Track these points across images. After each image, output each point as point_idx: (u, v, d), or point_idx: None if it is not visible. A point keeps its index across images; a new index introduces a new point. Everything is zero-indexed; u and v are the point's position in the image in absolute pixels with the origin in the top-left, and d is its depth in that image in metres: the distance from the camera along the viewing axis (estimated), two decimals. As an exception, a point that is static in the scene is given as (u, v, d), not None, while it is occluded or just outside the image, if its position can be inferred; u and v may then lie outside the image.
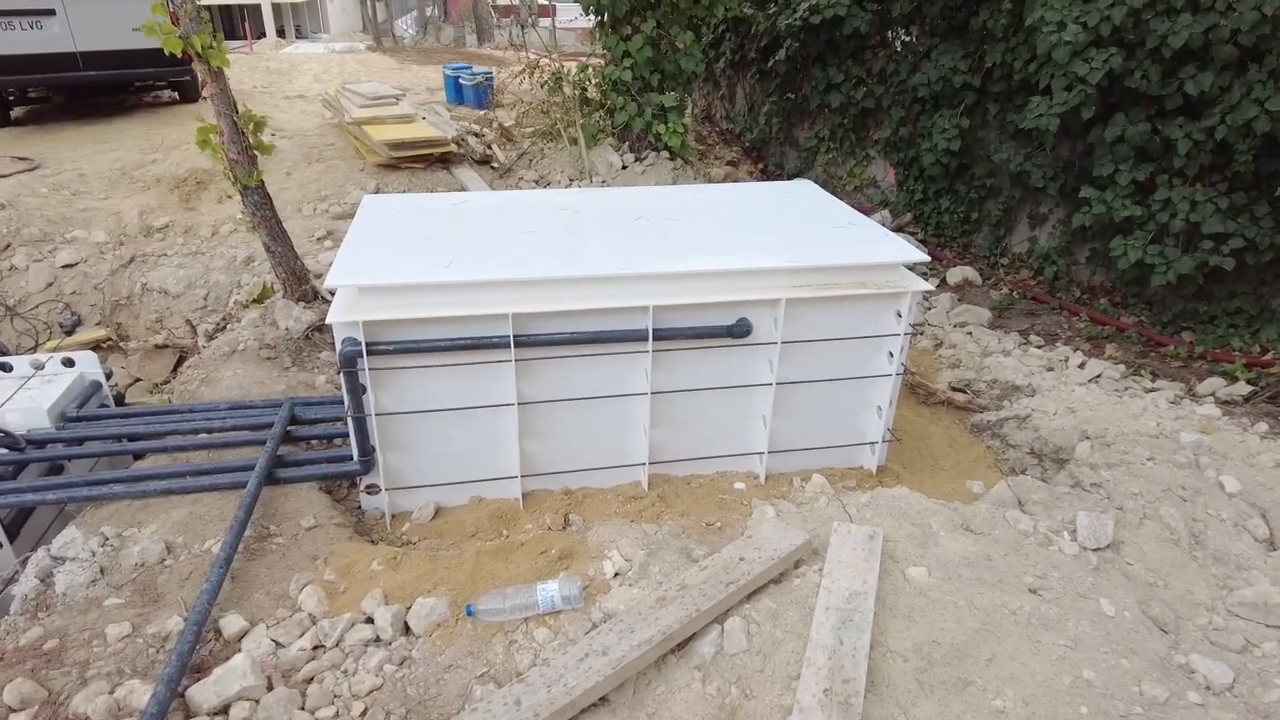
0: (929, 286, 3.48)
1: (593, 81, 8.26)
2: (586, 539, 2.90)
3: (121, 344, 5.59)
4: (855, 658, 2.24)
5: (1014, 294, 6.55)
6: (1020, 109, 6.32)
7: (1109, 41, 5.34)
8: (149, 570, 2.72)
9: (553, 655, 2.29)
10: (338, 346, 3.00)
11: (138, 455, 3.54)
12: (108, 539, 2.85)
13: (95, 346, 5.43)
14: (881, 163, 8.23)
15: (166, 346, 5.39)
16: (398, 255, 3.26)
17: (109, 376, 3.97)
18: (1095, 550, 2.85)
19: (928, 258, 3.51)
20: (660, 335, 3.21)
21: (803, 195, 4.29)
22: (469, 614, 2.49)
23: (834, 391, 3.56)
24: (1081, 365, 5.08)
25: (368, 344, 2.97)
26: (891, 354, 3.50)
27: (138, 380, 5.18)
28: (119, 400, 4.06)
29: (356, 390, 3.06)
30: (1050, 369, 5.04)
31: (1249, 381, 4.75)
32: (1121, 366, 5.08)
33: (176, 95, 10.45)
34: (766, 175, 9.50)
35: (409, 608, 2.53)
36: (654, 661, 2.30)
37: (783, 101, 9.14)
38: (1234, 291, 5.46)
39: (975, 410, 4.64)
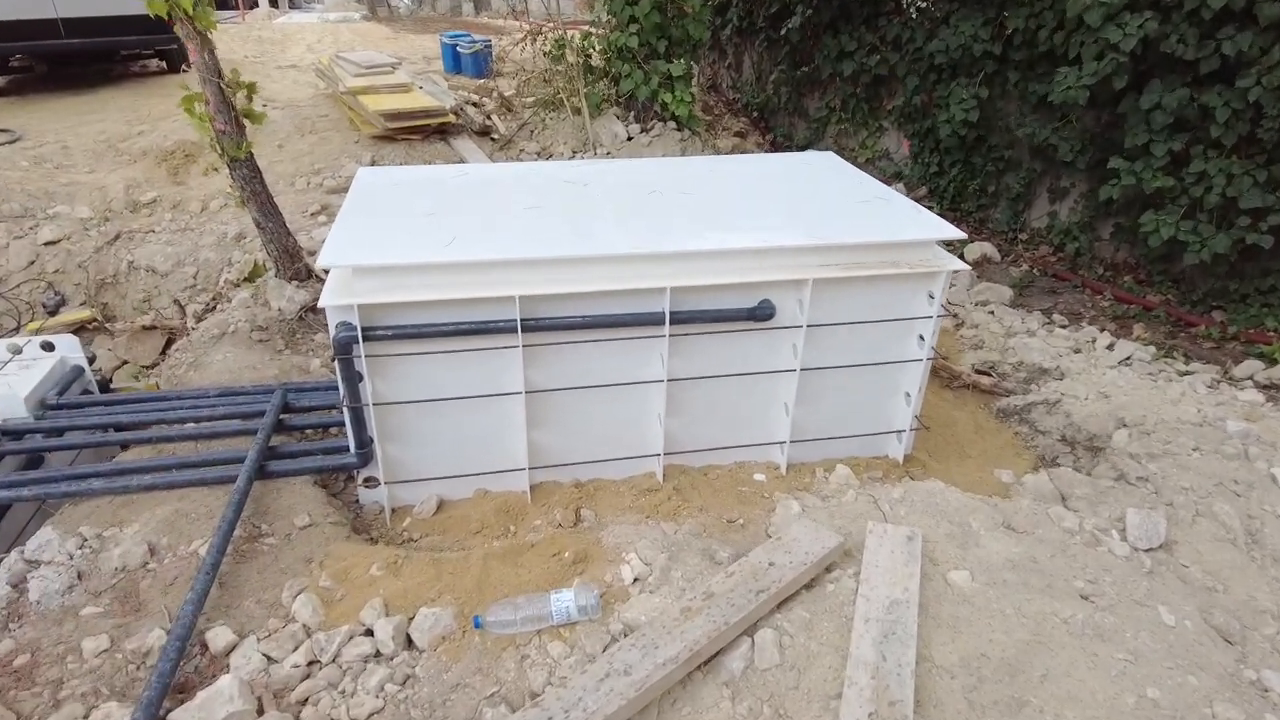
0: (964, 266, 3.26)
1: (597, 49, 7.95)
2: (601, 539, 2.70)
3: (108, 325, 5.36)
4: (901, 675, 2.05)
5: (1034, 271, 6.30)
6: (1043, 78, 6.03)
7: (1144, 4, 5.05)
8: (130, 575, 2.52)
9: (570, 675, 2.10)
10: (331, 332, 2.78)
11: (124, 446, 3.34)
12: (86, 540, 2.65)
13: (80, 327, 5.21)
14: (895, 134, 7.94)
15: (154, 327, 5.16)
16: (395, 232, 3.02)
17: (92, 361, 3.75)
18: (1148, 551, 2.66)
19: (963, 235, 3.29)
20: (678, 319, 2.98)
21: (824, 167, 4.05)
22: (477, 626, 2.29)
23: (860, 377, 3.35)
24: (1110, 347, 4.86)
25: (364, 329, 2.75)
26: (922, 337, 3.29)
27: (125, 363, 4.96)
28: (104, 386, 3.84)
29: (352, 378, 2.85)
30: (1077, 350, 4.82)
31: (1288, 364, 4.54)
32: (1152, 348, 4.86)
33: (164, 65, 10.12)
34: (775, 147, 9.20)
35: (411, 618, 2.33)
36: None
37: (792, 70, 8.82)
38: (1268, 269, 5.22)
39: (1001, 394, 4.43)
